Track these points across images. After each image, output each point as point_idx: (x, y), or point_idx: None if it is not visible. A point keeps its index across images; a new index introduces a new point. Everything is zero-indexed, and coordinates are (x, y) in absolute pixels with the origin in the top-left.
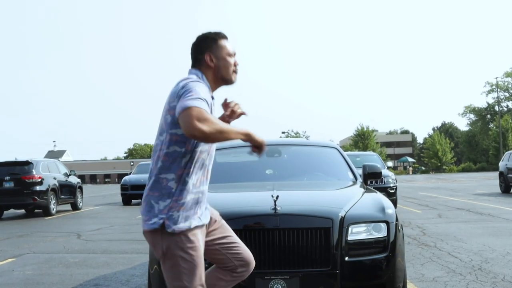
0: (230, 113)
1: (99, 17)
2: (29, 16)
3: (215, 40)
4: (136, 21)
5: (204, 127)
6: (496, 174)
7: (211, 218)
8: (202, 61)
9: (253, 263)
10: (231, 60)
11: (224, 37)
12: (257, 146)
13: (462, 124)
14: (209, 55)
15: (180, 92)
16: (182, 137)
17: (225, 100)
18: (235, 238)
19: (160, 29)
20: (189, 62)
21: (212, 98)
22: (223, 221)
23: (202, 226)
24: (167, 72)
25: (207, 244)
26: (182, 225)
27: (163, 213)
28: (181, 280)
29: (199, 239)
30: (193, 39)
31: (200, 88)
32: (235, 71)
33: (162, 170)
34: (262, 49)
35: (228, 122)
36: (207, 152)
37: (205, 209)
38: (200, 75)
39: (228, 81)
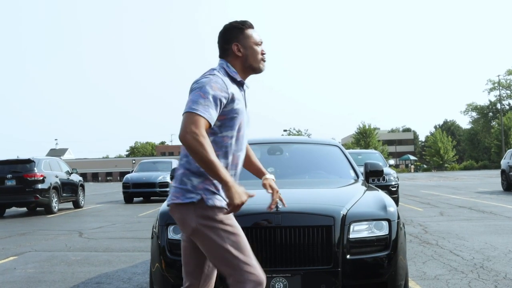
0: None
1: (99, 17)
2: (30, 16)
3: (242, 30)
4: (136, 21)
5: (189, 138)
6: (498, 172)
7: None
8: (229, 51)
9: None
10: (258, 49)
11: (250, 26)
12: (229, 203)
13: (464, 122)
14: (236, 45)
15: (193, 86)
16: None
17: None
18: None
19: (161, 29)
20: (188, 62)
21: (242, 85)
22: None
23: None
24: (167, 71)
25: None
26: (218, 201)
27: (199, 189)
28: (226, 250)
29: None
30: (220, 29)
31: (213, 84)
32: (263, 60)
33: None
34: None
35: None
36: (235, 138)
37: None
38: (225, 65)
39: (256, 70)
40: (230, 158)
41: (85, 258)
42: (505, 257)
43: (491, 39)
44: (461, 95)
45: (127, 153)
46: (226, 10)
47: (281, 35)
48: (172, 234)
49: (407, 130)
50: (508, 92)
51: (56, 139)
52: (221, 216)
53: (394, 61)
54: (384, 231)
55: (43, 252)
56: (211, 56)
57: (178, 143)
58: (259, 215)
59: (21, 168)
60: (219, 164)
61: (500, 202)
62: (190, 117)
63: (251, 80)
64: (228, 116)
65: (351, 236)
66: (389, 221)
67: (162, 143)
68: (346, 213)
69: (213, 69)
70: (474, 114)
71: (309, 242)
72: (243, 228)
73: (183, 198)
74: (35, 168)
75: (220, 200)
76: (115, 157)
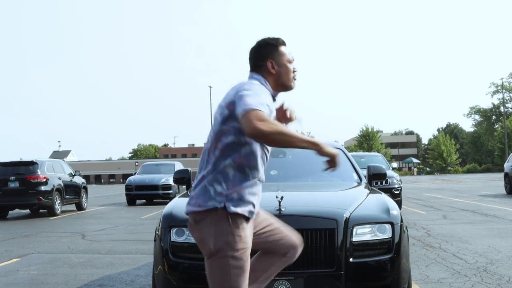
0: (281, 117)
1: (99, 17)
2: (30, 17)
3: (276, 47)
4: (136, 21)
5: (264, 127)
6: (501, 175)
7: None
8: (264, 67)
9: (299, 244)
10: (291, 67)
11: (283, 43)
12: (330, 160)
13: (467, 125)
14: (271, 62)
15: (241, 93)
16: (240, 129)
17: (282, 104)
18: (276, 224)
19: (161, 29)
20: (188, 61)
21: (274, 100)
22: (262, 210)
23: (252, 220)
24: (169, 72)
25: (254, 235)
26: (240, 209)
27: (222, 196)
28: (226, 275)
29: (249, 234)
30: (253, 43)
31: (262, 92)
32: (294, 78)
33: (220, 158)
34: None
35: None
36: (260, 151)
37: (257, 205)
38: (263, 81)
39: (287, 88)
40: (259, 160)
41: (87, 260)
42: (509, 260)
43: (494, 42)
44: (464, 98)
45: (130, 155)
46: (226, 11)
47: (281, 35)
48: (175, 236)
49: (410, 133)
50: None
51: (59, 141)
52: (238, 232)
53: (397, 64)
54: (387, 234)
55: (46, 254)
56: (212, 56)
57: (181, 145)
58: None
59: (24, 170)
60: (295, 133)
61: (503, 205)
62: (251, 113)
63: None
64: None
65: (354, 239)
66: (392, 224)
67: (165, 145)
68: (349, 216)
69: (254, 82)
70: (477, 117)
71: (312, 245)
72: None
73: (205, 205)
74: (38, 170)
75: (242, 208)
76: (118, 159)
